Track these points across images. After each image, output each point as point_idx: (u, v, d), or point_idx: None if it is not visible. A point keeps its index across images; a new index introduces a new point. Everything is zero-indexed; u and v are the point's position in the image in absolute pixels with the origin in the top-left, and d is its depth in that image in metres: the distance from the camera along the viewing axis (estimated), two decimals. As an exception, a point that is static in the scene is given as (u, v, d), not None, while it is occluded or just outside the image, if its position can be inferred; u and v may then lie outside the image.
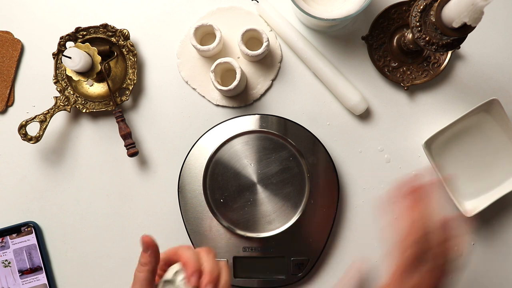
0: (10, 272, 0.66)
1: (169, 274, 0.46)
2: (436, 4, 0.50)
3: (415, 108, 0.66)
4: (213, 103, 0.67)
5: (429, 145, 0.62)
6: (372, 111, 0.66)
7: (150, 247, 0.46)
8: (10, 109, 0.68)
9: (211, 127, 0.65)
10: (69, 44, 0.65)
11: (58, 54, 0.65)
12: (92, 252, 0.67)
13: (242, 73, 0.61)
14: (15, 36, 0.67)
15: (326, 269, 0.66)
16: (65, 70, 0.63)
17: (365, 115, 0.66)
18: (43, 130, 0.64)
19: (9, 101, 0.68)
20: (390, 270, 0.50)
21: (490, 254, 0.65)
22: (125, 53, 0.65)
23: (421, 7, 0.51)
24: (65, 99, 0.65)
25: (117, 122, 0.64)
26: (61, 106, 0.65)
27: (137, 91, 0.67)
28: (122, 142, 0.66)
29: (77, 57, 0.59)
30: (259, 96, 0.66)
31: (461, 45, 0.58)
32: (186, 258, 0.45)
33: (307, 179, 0.62)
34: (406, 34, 0.62)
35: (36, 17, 0.68)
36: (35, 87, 0.68)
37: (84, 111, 0.65)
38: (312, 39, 0.66)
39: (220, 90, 0.61)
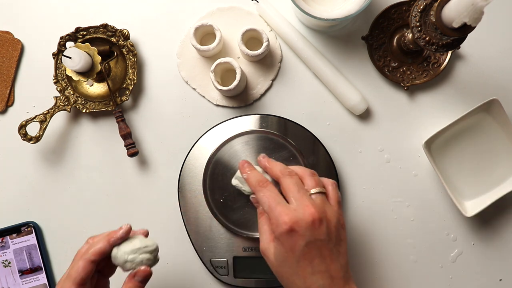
0: (10, 272, 0.66)
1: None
2: (436, 4, 0.50)
3: (415, 108, 0.66)
4: (213, 103, 0.67)
5: (429, 145, 0.62)
6: (372, 111, 0.66)
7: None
8: (10, 109, 0.68)
9: (211, 127, 0.65)
10: (69, 44, 0.65)
11: (58, 54, 0.65)
12: (92, 252, 0.67)
13: (242, 73, 0.61)
14: (15, 36, 0.67)
15: (326, 269, 0.66)
16: (65, 70, 0.63)
17: (365, 115, 0.66)
18: (43, 130, 0.64)
19: (9, 101, 0.68)
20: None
21: (490, 254, 0.65)
22: (125, 53, 0.65)
23: (421, 7, 0.51)
24: (65, 99, 0.65)
25: (117, 122, 0.64)
26: (61, 106, 0.65)
27: (137, 91, 0.67)
28: (122, 142, 0.66)
29: (77, 57, 0.59)
30: (259, 96, 0.66)
31: (461, 45, 0.58)
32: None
33: (307, 179, 0.62)
34: (406, 34, 0.62)
35: (36, 17, 0.68)
36: (35, 87, 0.68)
37: (84, 111, 0.65)
38: (312, 39, 0.66)
39: (220, 90, 0.61)
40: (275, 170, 0.53)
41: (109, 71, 0.66)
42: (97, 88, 0.66)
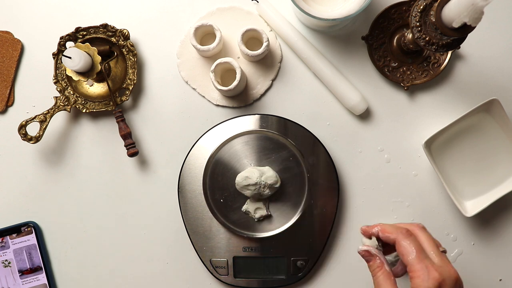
0: (10, 272, 0.66)
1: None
2: (436, 4, 0.50)
3: (415, 108, 0.66)
4: (213, 103, 0.67)
5: (429, 145, 0.62)
6: (372, 111, 0.66)
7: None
8: (10, 109, 0.68)
9: (211, 127, 0.65)
10: (69, 44, 0.65)
11: (58, 54, 0.65)
12: (92, 252, 0.67)
13: (242, 73, 0.61)
14: (15, 36, 0.67)
15: (326, 269, 0.66)
16: (65, 70, 0.63)
17: (365, 115, 0.66)
18: (43, 130, 0.64)
19: (9, 101, 0.68)
20: None
21: (490, 254, 0.65)
22: (125, 53, 0.65)
23: (421, 7, 0.51)
24: (65, 99, 0.65)
25: (117, 122, 0.64)
26: (61, 106, 0.65)
27: (137, 91, 0.67)
28: (122, 142, 0.66)
29: (77, 57, 0.59)
30: (259, 96, 0.66)
31: (461, 45, 0.58)
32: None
33: (307, 179, 0.62)
34: (406, 34, 0.62)
35: (36, 17, 0.68)
36: (35, 87, 0.68)
37: (84, 111, 0.65)
38: (312, 39, 0.66)
39: (220, 90, 0.61)
40: (401, 226, 0.50)
41: (109, 71, 0.66)
42: (97, 88, 0.66)
